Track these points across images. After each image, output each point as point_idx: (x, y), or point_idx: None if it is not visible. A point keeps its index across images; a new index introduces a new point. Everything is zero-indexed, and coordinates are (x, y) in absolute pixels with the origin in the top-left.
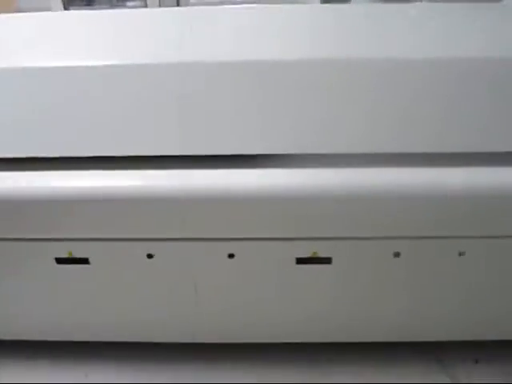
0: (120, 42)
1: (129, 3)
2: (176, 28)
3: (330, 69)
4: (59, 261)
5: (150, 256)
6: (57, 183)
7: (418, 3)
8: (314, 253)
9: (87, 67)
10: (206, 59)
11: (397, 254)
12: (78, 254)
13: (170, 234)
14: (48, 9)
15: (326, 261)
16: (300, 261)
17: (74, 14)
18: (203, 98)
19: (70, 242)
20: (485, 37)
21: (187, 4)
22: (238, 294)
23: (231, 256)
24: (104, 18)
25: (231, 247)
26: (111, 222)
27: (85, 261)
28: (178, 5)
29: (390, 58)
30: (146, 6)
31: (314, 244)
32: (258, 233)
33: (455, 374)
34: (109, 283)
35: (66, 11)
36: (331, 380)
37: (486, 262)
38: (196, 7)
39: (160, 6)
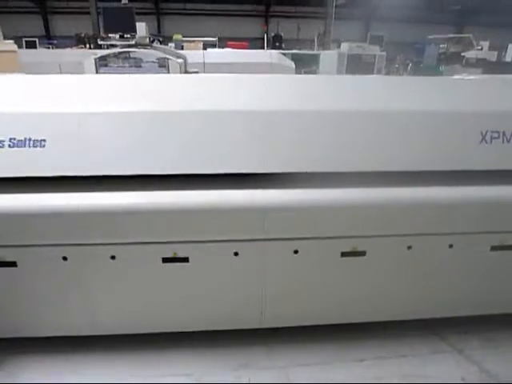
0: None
1: (144, 64)
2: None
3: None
4: (165, 260)
5: (235, 254)
6: (168, 199)
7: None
8: (354, 247)
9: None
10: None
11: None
12: (181, 254)
13: (252, 236)
14: (42, 62)
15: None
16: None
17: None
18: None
19: (174, 244)
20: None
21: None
22: (301, 281)
23: (296, 252)
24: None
25: (296, 245)
26: (208, 227)
27: (186, 259)
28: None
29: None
30: (163, 66)
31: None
32: (315, 233)
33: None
34: (203, 278)
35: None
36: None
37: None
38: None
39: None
